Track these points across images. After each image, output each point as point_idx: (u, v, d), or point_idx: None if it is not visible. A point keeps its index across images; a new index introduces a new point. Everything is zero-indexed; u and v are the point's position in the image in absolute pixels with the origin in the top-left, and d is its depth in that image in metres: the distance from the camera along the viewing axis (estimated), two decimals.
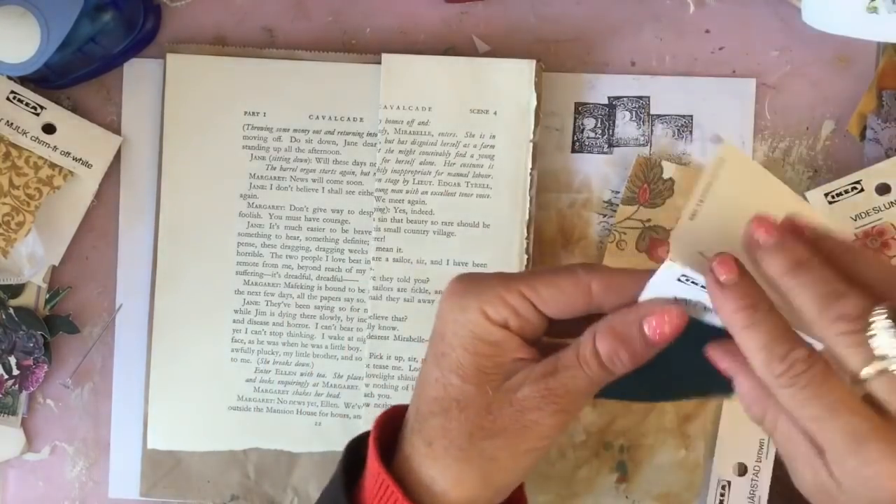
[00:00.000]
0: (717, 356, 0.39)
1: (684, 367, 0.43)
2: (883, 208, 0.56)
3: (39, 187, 0.58)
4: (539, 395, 0.39)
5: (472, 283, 0.41)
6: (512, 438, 0.39)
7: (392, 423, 0.43)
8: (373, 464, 0.41)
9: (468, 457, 0.40)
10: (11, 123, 0.58)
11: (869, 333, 0.35)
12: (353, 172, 0.58)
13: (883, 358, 0.35)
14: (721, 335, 0.39)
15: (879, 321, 0.35)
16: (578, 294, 0.40)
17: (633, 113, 0.59)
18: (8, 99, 0.58)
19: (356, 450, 0.44)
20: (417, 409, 0.42)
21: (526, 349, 0.40)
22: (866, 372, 0.35)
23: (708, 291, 0.38)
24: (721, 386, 0.42)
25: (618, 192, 0.59)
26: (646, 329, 0.39)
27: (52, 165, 0.58)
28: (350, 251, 0.58)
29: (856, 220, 0.57)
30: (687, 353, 0.42)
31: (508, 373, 0.40)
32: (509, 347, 0.40)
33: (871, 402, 0.36)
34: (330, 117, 0.59)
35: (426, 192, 0.58)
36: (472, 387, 0.40)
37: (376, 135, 0.58)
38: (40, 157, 0.58)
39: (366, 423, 0.58)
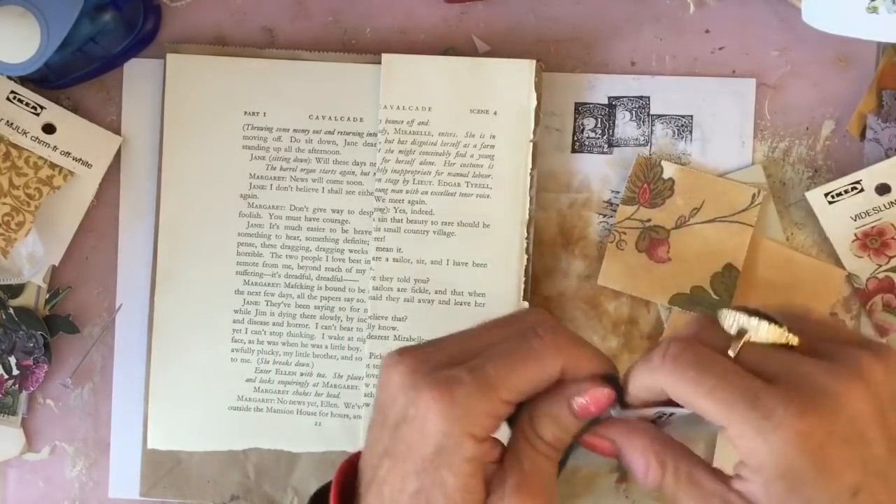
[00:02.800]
0: (594, 441, 0.41)
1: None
2: (883, 208, 0.56)
3: (39, 187, 0.58)
4: (520, 492, 0.40)
5: (451, 403, 0.39)
6: None
7: (353, 474, 0.43)
8: None
9: None
10: (11, 123, 0.58)
11: (722, 322, 0.39)
12: (353, 172, 0.58)
13: (740, 333, 0.38)
14: None
15: (722, 313, 0.39)
16: (552, 377, 0.41)
17: (633, 113, 0.59)
18: (8, 99, 0.58)
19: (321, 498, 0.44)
20: None
21: (498, 448, 0.41)
22: (732, 350, 0.38)
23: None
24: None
25: (618, 192, 0.59)
26: (574, 407, 0.40)
27: (52, 165, 0.58)
28: (350, 251, 0.58)
29: (856, 220, 0.57)
30: None
31: (487, 481, 0.40)
32: (489, 453, 0.40)
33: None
34: (330, 117, 0.59)
35: (426, 192, 0.58)
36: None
37: (376, 135, 0.58)
38: (40, 157, 0.58)
39: (366, 422, 0.58)
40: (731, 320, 0.39)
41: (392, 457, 0.40)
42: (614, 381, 0.41)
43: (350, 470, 0.44)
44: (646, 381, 0.39)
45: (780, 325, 0.38)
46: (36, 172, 0.58)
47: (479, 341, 0.42)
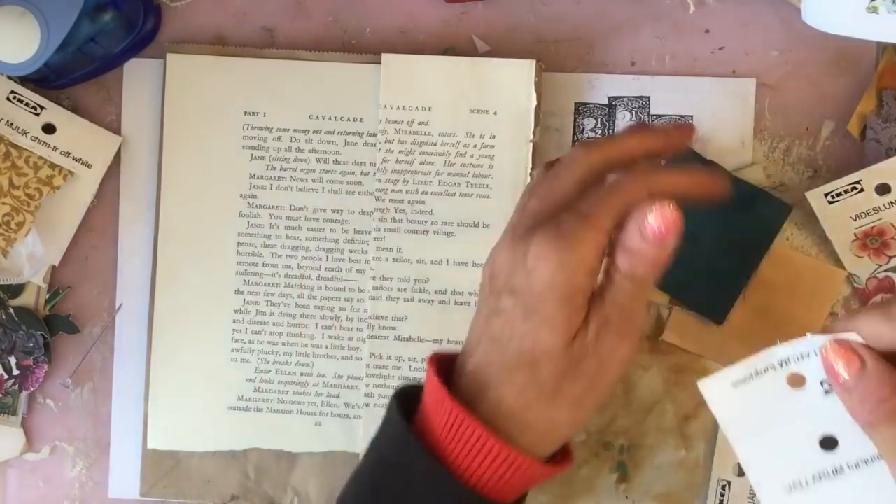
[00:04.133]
0: (840, 350, 0.39)
1: (702, 276, 0.54)
2: (883, 208, 0.56)
3: (39, 187, 0.58)
4: (604, 330, 0.42)
5: (563, 237, 0.41)
6: (595, 378, 0.42)
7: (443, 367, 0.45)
8: (450, 409, 0.42)
9: (558, 403, 0.42)
10: (11, 123, 0.58)
11: None
12: (353, 172, 0.58)
13: None
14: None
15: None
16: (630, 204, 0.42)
17: (633, 113, 0.59)
18: (8, 99, 0.58)
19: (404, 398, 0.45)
20: (500, 362, 0.43)
21: (595, 280, 0.43)
22: None
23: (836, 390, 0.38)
24: (713, 310, 0.54)
25: None
26: (646, 233, 0.41)
27: (52, 165, 0.58)
28: (350, 251, 0.58)
29: (856, 220, 0.57)
30: (708, 261, 0.55)
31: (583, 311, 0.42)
32: (592, 286, 0.42)
33: None
34: (330, 117, 0.59)
35: (426, 192, 0.58)
36: (562, 340, 0.42)
37: (376, 135, 0.58)
38: (40, 157, 0.58)
39: (366, 422, 0.58)
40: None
41: (499, 312, 0.43)
42: (704, 161, 0.42)
43: (442, 360, 0.45)
44: (883, 331, 0.38)
45: None
46: (36, 172, 0.58)
47: (556, 193, 0.44)
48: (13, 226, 0.58)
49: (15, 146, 0.58)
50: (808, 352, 0.39)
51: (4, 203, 0.58)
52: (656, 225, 0.41)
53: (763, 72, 0.58)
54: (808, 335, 0.39)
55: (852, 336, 0.38)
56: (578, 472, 0.58)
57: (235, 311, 0.59)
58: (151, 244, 0.59)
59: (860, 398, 0.37)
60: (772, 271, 0.58)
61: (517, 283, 0.42)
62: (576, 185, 0.44)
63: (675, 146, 0.47)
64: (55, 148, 0.59)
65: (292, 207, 0.59)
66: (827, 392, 0.39)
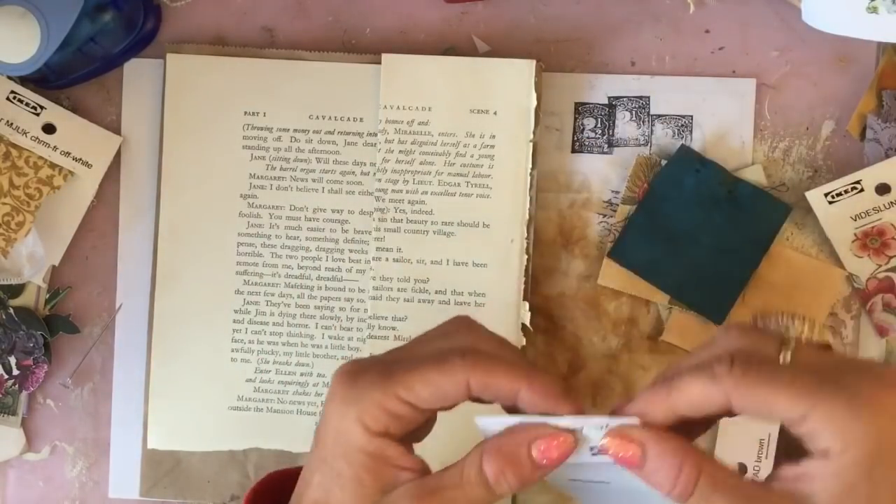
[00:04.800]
0: (620, 444, 0.38)
1: (702, 276, 0.55)
2: (883, 208, 0.56)
3: (39, 187, 0.58)
4: None
5: (351, 387, 0.39)
6: None
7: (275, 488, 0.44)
8: None
9: None
10: (11, 123, 0.58)
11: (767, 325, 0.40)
12: (353, 172, 0.58)
13: (785, 338, 0.38)
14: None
15: (763, 317, 0.40)
16: (457, 392, 0.39)
17: (633, 113, 0.59)
18: (8, 99, 0.58)
19: None
20: None
21: (408, 458, 0.40)
22: (784, 354, 0.38)
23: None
24: (713, 310, 0.56)
25: (618, 192, 0.59)
26: (534, 453, 0.38)
27: (52, 165, 0.58)
28: (350, 251, 0.58)
29: (856, 220, 0.57)
30: (707, 261, 0.55)
31: (388, 485, 0.39)
32: (390, 456, 0.39)
33: None
34: (330, 117, 0.59)
35: (426, 192, 0.58)
36: (350, 498, 0.39)
37: (376, 135, 0.58)
38: (40, 157, 0.58)
39: None
40: (775, 324, 0.39)
41: (310, 456, 0.41)
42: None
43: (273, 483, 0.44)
44: (705, 392, 0.38)
45: (820, 327, 0.39)
46: (36, 172, 0.58)
47: (409, 349, 0.42)
48: (13, 226, 0.58)
49: (15, 146, 0.58)
50: (599, 424, 0.38)
51: (4, 203, 0.58)
52: (551, 451, 0.38)
53: (763, 72, 0.58)
54: (593, 419, 0.38)
55: (632, 420, 0.38)
56: None
57: (235, 311, 0.59)
58: (151, 244, 0.59)
59: (656, 480, 0.37)
60: (772, 271, 0.58)
61: (318, 430, 0.41)
62: None
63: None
64: (55, 148, 0.59)
65: (292, 207, 0.59)
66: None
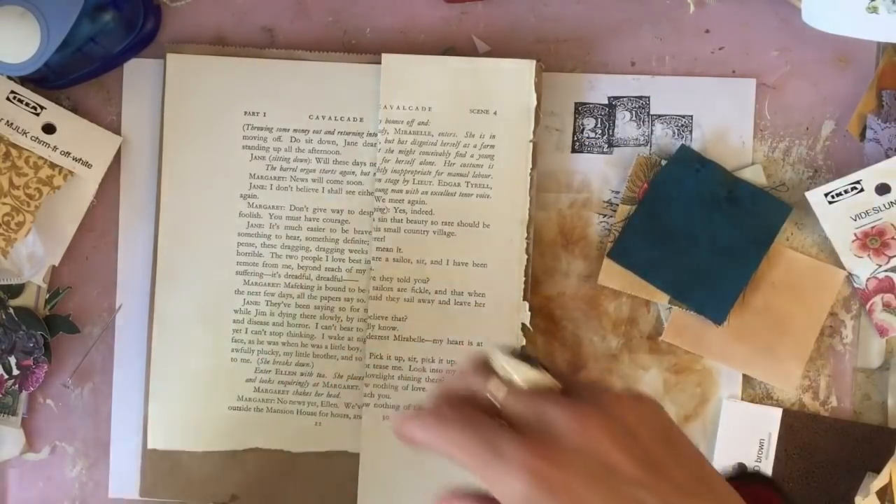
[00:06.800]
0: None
1: (702, 276, 0.55)
2: (883, 208, 0.56)
3: (39, 187, 0.58)
4: None
5: None
6: None
7: None
8: None
9: None
10: (11, 123, 0.58)
11: (493, 363, 0.40)
12: (353, 172, 0.58)
13: (505, 377, 0.39)
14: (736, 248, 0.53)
15: (493, 355, 0.40)
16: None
17: (633, 113, 0.59)
18: (8, 99, 0.58)
19: None
20: None
21: None
22: (492, 393, 0.39)
23: None
24: (713, 310, 0.56)
25: (618, 192, 0.59)
26: None
27: (52, 165, 0.58)
28: (350, 251, 0.58)
29: (855, 220, 0.57)
30: (707, 261, 0.55)
31: None
32: None
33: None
34: (330, 117, 0.59)
35: (426, 192, 0.58)
36: None
37: (376, 135, 0.58)
38: (40, 157, 0.58)
39: (366, 422, 0.58)
40: (499, 362, 0.40)
41: None
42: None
43: None
44: (419, 437, 0.39)
45: (541, 370, 0.39)
46: (36, 172, 0.58)
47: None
48: (13, 226, 0.58)
49: (15, 146, 0.58)
50: None
51: (4, 203, 0.58)
52: None
53: (763, 72, 0.58)
54: None
55: None
56: None
57: (235, 311, 0.59)
58: (151, 244, 0.59)
59: None
60: (772, 271, 0.58)
61: None
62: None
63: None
64: (55, 148, 0.59)
65: (292, 207, 0.59)
66: None
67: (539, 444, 0.36)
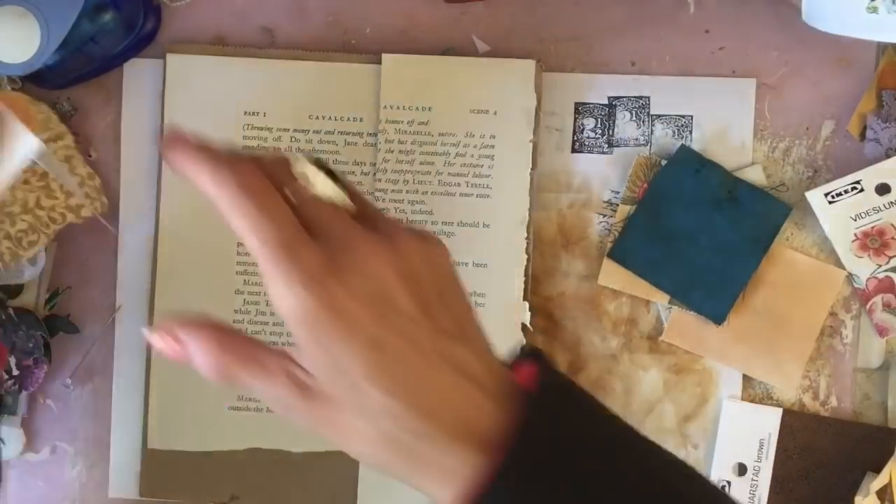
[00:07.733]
0: (162, 339, 0.39)
1: (702, 276, 0.56)
2: (883, 208, 0.56)
3: (64, 212, 0.57)
4: None
5: None
6: None
7: None
8: None
9: None
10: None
11: (293, 165, 0.39)
12: (353, 172, 0.58)
13: (303, 176, 0.39)
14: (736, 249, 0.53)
15: (296, 157, 0.39)
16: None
17: (633, 113, 0.59)
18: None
19: None
20: None
21: None
22: (291, 194, 0.38)
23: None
24: (713, 310, 0.56)
25: (618, 192, 0.59)
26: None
27: (87, 195, 0.58)
28: None
29: (855, 220, 0.57)
30: (707, 261, 0.56)
31: None
32: None
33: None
34: (330, 117, 0.59)
35: (426, 192, 0.58)
36: None
37: (376, 135, 0.58)
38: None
39: None
40: (301, 167, 0.39)
41: None
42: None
43: None
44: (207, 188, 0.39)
45: (342, 187, 0.39)
46: (66, 199, 0.58)
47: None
48: (24, 243, 0.57)
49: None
50: None
51: (23, 219, 0.57)
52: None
53: (763, 72, 0.58)
54: None
55: None
56: None
57: (235, 311, 0.59)
58: (151, 244, 0.59)
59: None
60: (772, 271, 0.58)
61: None
62: None
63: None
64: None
65: None
66: None
67: (332, 260, 0.36)
